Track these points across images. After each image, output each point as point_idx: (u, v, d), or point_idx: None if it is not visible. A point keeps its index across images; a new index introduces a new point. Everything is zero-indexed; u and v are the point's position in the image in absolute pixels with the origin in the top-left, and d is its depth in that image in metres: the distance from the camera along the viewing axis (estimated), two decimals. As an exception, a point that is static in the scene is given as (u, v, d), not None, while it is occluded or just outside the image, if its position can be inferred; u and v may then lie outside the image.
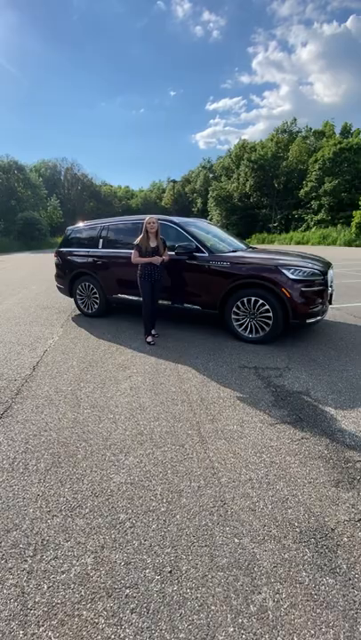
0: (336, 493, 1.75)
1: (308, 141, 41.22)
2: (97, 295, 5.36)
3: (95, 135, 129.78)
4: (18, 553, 1.46)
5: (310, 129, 43.27)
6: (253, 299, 3.92)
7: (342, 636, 1.14)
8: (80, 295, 5.61)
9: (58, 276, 5.94)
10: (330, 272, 4.31)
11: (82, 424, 2.43)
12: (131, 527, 1.57)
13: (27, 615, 1.23)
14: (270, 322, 3.89)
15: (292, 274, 3.78)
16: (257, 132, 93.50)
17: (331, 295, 4.32)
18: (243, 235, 35.57)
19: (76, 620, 1.21)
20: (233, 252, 4.64)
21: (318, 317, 3.96)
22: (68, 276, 5.62)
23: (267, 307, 3.85)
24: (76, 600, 1.27)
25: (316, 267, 4.07)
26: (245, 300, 3.98)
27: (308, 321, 3.86)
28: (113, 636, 1.15)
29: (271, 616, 1.20)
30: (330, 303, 4.31)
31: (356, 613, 1.22)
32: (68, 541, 1.51)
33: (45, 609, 1.25)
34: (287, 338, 4.17)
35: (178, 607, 1.24)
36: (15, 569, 1.39)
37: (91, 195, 58.80)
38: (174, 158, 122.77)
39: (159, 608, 1.23)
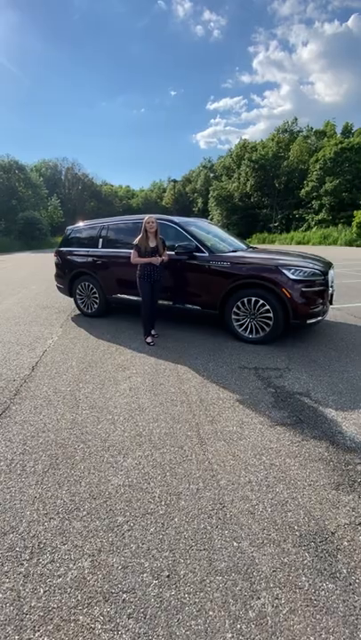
0: (336, 496, 1.73)
1: (309, 141, 41.13)
2: (97, 295, 5.34)
3: (96, 135, 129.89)
4: (14, 556, 1.44)
5: (311, 128, 43.20)
6: (254, 299, 3.90)
7: (342, 643, 1.13)
8: (80, 295, 5.60)
9: (57, 276, 5.93)
10: (331, 272, 4.28)
11: (80, 425, 2.41)
12: (128, 530, 1.56)
13: (22, 620, 1.21)
14: (271, 322, 3.87)
15: (293, 274, 3.76)
16: (258, 131, 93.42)
17: (331, 295, 4.30)
18: (243, 234, 35.53)
19: (72, 625, 1.19)
20: (233, 251, 4.62)
21: (319, 318, 3.94)
22: (68, 276, 5.60)
23: (267, 307, 3.83)
24: (73, 605, 1.25)
25: (316, 267, 4.05)
26: (246, 300, 3.96)
27: (309, 321, 3.84)
28: (109, 642, 1.14)
29: (270, 622, 1.19)
30: (331, 303, 4.29)
31: (357, 619, 1.20)
32: (64, 544, 1.49)
33: (41, 613, 1.23)
34: (287, 338, 4.15)
35: (175, 612, 1.22)
36: (11, 572, 1.38)
37: (91, 194, 58.80)
38: (175, 158, 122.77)
39: (156, 613, 1.22)
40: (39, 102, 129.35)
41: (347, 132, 38.72)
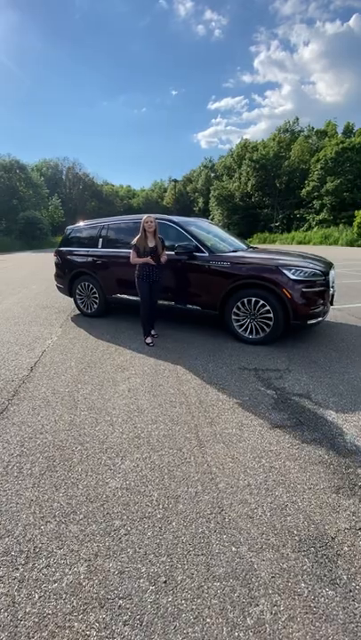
0: (337, 500, 1.71)
1: (310, 141, 41.09)
2: (96, 295, 5.32)
3: (97, 134, 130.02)
4: (10, 561, 1.42)
5: (312, 128, 43.17)
6: (254, 299, 3.88)
7: (342, 652, 1.10)
8: (79, 295, 5.58)
9: (57, 276, 5.91)
10: (331, 272, 4.26)
11: (78, 426, 2.39)
12: (125, 534, 1.53)
13: (17, 626, 1.19)
14: (271, 323, 3.84)
15: (293, 274, 3.73)
16: (259, 131, 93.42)
17: (332, 296, 4.27)
18: (244, 234, 35.49)
19: (67, 631, 1.17)
20: (233, 251, 4.60)
21: (319, 318, 3.91)
22: (68, 276, 5.59)
23: (267, 307, 3.81)
24: (68, 611, 1.23)
25: (317, 267, 4.02)
26: (246, 300, 3.93)
27: (310, 322, 3.82)
28: (105, 650, 1.12)
29: (268, 629, 1.16)
30: (331, 304, 4.26)
31: (357, 627, 1.18)
32: (61, 549, 1.47)
33: (36, 620, 1.21)
34: (288, 339, 4.12)
35: (172, 619, 1.20)
36: (6, 577, 1.36)
37: (92, 194, 58.81)
38: (176, 158, 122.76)
39: (153, 620, 1.20)
40: (40, 102, 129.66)
41: (348, 131, 38.66)
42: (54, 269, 6.00)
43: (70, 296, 5.76)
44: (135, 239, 3.89)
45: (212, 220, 40.34)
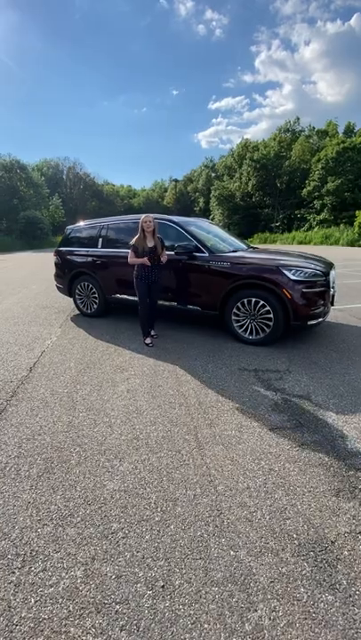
0: (337, 503, 1.69)
1: (311, 141, 41.02)
2: (96, 295, 5.31)
3: (97, 134, 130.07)
4: (6, 564, 1.41)
5: (313, 128, 43.07)
6: (254, 300, 3.86)
7: (342, 659, 1.09)
8: (79, 295, 5.57)
9: (57, 276, 5.90)
10: (332, 273, 4.24)
11: (77, 428, 2.38)
12: (123, 538, 1.52)
13: (12, 632, 1.18)
14: (271, 323, 3.82)
15: (294, 274, 3.71)
16: (260, 131, 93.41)
17: (333, 296, 4.25)
18: (245, 234, 35.46)
19: (63, 637, 1.16)
20: (233, 251, 4.58)
21: (320, 319, 3.89)
22: (68, 276, 5.57)
23: (267, 308, 3.79)
24: (64, 615, 1.22)
25: (317, 267, 4.00)
26: (246, 300, 3.91)
27: (310, 323, 3.80)
28: (101, 656, 1.10)
29: (267, 635, 1.15)
30: (332, 304, 4.24)
31: (357, 633, 1.16)
32: (57, 552, 1.46)
33: (32, 624, 1.20)
34: (288, 340, 4.11)
35: (170, 625, 1.18)
36: (2, 581, 1.34)
37: (93, 194, 58.82)
38: (176, 157, 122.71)
39: (150, 625, 1.18)
40: (40, 102, 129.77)
41: (349, 131, 38.58)
42: (54, 269, 5.99)
43: (70, 296, 5.75)
44: (134, 239, 3.86)
45: (212, 219, 40.33)
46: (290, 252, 5.01)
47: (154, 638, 1.14)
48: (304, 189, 36.11)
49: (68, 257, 5.58)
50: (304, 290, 3.69)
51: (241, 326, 4.06)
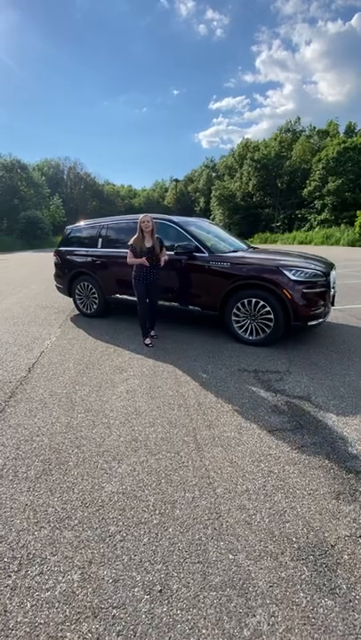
0: (337, 506, 1.67)
1: (311, 141, 40.95)
2: (96, 295, 5.30)
3: (98, 134, 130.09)
4: (2, 567, 1.40)
5: (314, 128, 43.00)
6: (254, 300, 3.84)
7: (341, 666, 1.07)
8: (79, 295, 5.55)
9: (57, 276, 5.89)
10: (332, 273, 4.22)
11: (75, 429, 2.36)
12: (121, 541, 1.50)
13: (7, 636, 1.16)
14: (271, 324, 3.81)
15: (294, 275, 3.69)
16: (260, 131, 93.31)
17: (333, 297, 4.23)
18: (245, 234, 35.43)
19: (59, 642, 1.14)
20: (233, 252, 4.56)
21: (320, 320, 3.87)
22: (67, 276, 5.56)
23: (267, 308, 3.77)
24: (60, 620, 1.20)
25: (318, 267, 3.98)
26: (246, 301, 3.90)
27: (310, 323, 3.78)
28: (97, 662, 1.09)
29: (266, 641, 1.13)
30: (332, 305, 4.23)
31: (357, 639, 1.14)
32: (54, 555, 1.44)
33: (27, 629, 1.18)
34: (288, 340, 4.09)
35: (167, 630, 1.17)
36: (-2, 585, 1.33)
37: (93, 194, 58.82)
38: (177, 157, 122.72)
39: (147, 631, 1.17)
40: (40, 101, 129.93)
41: (350, 131, 38.52)
42: (54, 269, 5.98)
43: (70, 296, 5.74)
44: (132, 239, 3.83)
45: (213, 219, 40.32)
46: (290, 253, 4.99)
47: (151, 644, 1.13)
48: (305, 189, 36.06)
49: (68, 257, 5.56)
50: (304, 290, 3.67)
51: (241, 327, 4.04)
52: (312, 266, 3.98)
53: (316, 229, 31.86)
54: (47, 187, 42.50)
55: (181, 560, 1.41)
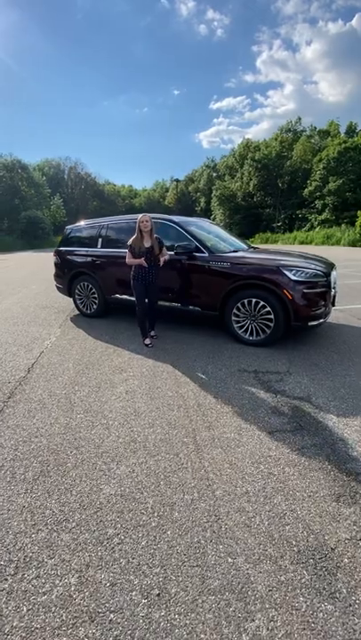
0: (337, 509, 1.66)
1: (312, 141, 40.92)
2: (96, 295, 5.28)
3: (98, 134, 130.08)
4: (-2, 570, 1.38)
5: (315, 128, 42.97)
6: (254, 300, 3.82)
7: (342, 672, 1.06)
8: (79, 295, 5.54)
9: (57, 276, 5.88)
10: (333, 273, 4.20)
11: (74, 430, 2.35)
12: (119, 544, 1.49)
13: (3, 641, 1.15)
14: (271, 324, 3.79)
15: (294, 275, 3.68)
16: (261, 131, 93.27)
17: (334, 297, 4.21)
18: (246, 234, 35.38)
19: (56, 647, 1.13)
20: (234, 252, 4.55)
21: (321, 320, 3.85)
22: (67, 276, 5.55)
23: (268, 308, 3.75)
24: (57, 625, 1.19)
25: (318, 267, 3.96)
26: (246, 301, 3.88)
27: (311, 324, 3.76)
28: (93, 668, 1.07)
29: (265, 647, 1.11)
30: (333, 305, 4.21)
31: (357, 644, 1.13)
32: (51, 558, 1.43)
33: (23, 634, 1.17)
34: (288, 341, 4.07)
35: (165, 635, 1.15)
36: (-6, 588, 1.31)
37: (94, 194, 58.84)
38: (178, 157, 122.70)
39: (145, 636, 1.15)
40: (41, 101, 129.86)
41: (351, 131, 38.46)
42: (54, 269, 5.97)
43: (70, 296, 5.73)
44: (130, 240, 3.80)
45: (213, 219, 40.29)
46: (291, 253, 4.97)
47: (148, 649, 1.11)
48: (306, 189, 36.02)
49: (68, 257, 5.55)
50: (305, 290, 3.65)
51: (241, 327, 4.02)
52: (313, 266, 3.97)
53: (317, 229, 31.81)
54: (48, 187, 42.53)
55: (180, 563, 1.39)
